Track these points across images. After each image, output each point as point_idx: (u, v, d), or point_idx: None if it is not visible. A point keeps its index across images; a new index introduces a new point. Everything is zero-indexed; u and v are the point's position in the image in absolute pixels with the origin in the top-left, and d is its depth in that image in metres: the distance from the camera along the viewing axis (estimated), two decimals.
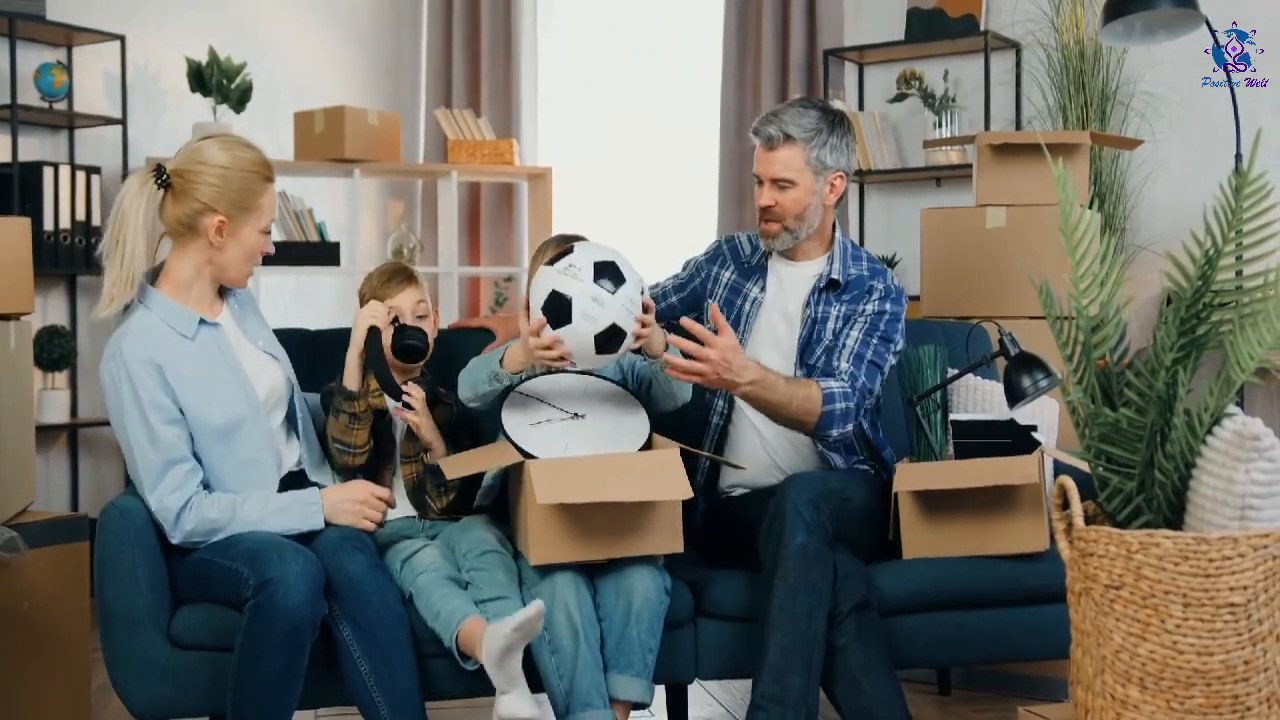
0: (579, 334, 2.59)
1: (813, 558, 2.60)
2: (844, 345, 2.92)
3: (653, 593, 2.60)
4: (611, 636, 2.59)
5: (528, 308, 2.69)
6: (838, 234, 3.06)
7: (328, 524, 2.62)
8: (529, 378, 2.80)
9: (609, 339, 2.61)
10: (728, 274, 3.11)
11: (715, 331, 2.68)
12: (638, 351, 2.79)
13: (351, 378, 2.76)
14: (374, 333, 2.76)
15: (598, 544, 2.60)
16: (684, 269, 3.20)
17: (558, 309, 2.59)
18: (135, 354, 2.54)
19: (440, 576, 2.61)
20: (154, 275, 2.66)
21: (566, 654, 2.54)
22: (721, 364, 2.66)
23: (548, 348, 2.62)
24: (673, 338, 2.71)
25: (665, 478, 2.58)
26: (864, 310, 2.96)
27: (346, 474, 2.83)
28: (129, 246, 2.56)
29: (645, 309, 2.65)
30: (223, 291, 2.72)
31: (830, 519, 2.67)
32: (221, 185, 2.59)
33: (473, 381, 2.79)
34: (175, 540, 2.56)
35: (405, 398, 2.78)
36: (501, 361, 2.73)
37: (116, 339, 2.58)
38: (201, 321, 2.63)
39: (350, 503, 2.64)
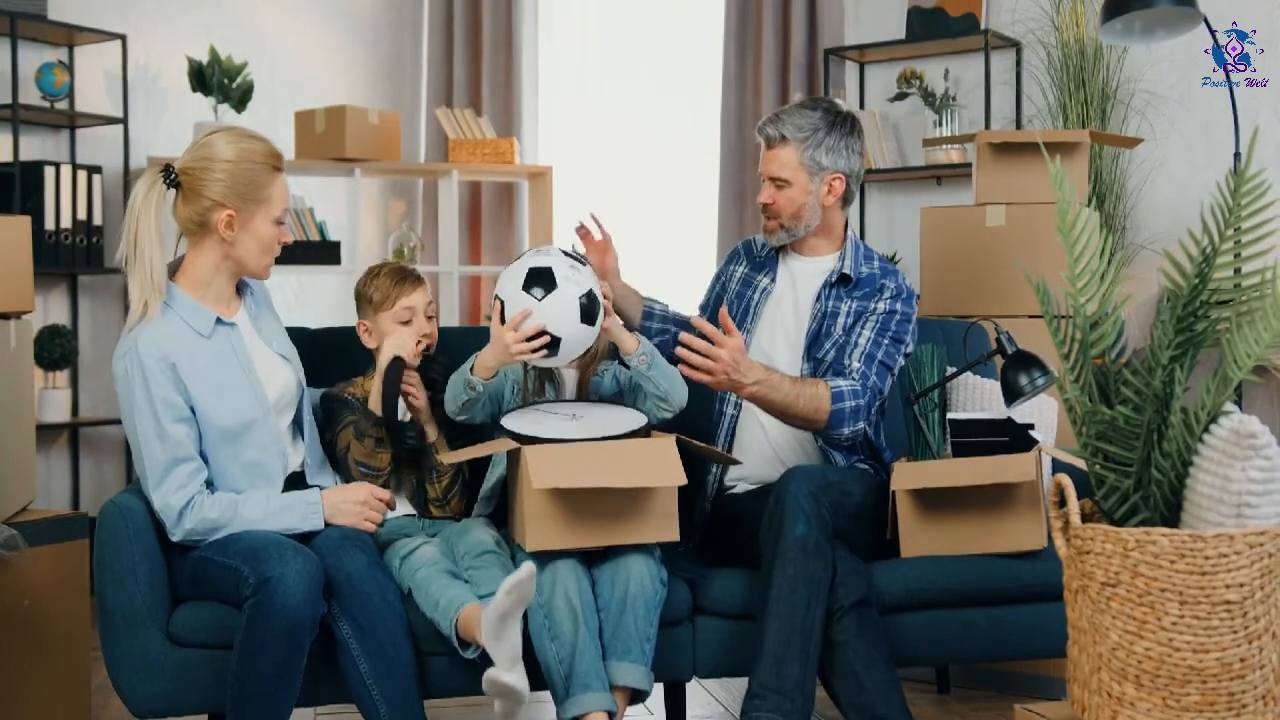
0: (566, 298, 2.66)
1: (812, 549, 2.61)
2: (855, 344, 2.94)
3: (647, 580, 2.61)
4: (609, 624, 2.59)
5: (501, 314, 2.70)
6: (849, 233, 3.08)
7: (327, 524, 2.63)
8: (521, 396, 2.82)
9: (590, 305, 2.69)
10: (741, 269, 3.15)
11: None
12: (616, 358, 2.81)
13: (377, 403, 2.77)
14: (397, 362, 2.79)
15: (593, 531, 2.61)
16: (710, 286, 3.25)
17: (541, 279, 2.67)
18: (150, 350, 2.54)
19: (439, 569, 2.62)
20: (173, 270, 2.65)
21: (566, 639, 2.55)
22: (730, 364, 2.71)
23: (528, 340, 2.65)
24: (685, 336, 2.74)
25: (660, 464, 2.60)
26: (875, 309, 2.97)
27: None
28: (145, 253, 2.56)
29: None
30: (240, 288, 2.73)
31: (829, 511, 2.68)
32: (229, 180, 2.59)
33: (454, 395, 2.81)
34: (175, 538, 2.57)
35: (406, 394, 2.81)
36: (473, 369, 2.75)
37: (132, 334, 2.57)
38: (218, 321, 2.64)
39: (351, 504, 2.65)
